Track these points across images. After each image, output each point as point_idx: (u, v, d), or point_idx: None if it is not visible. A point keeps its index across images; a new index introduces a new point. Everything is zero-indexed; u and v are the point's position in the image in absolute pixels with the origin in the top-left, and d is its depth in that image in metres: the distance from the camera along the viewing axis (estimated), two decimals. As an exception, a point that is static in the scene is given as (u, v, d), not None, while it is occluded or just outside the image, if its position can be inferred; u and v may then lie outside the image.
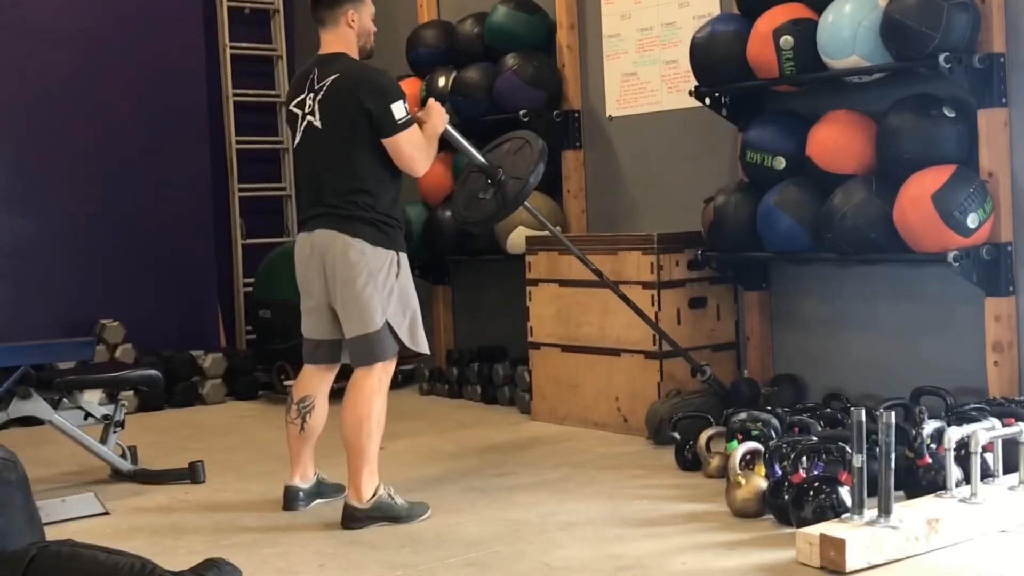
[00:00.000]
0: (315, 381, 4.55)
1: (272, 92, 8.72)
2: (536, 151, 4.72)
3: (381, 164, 4.26)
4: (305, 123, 4.32)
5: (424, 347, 4.42)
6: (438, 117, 4.44)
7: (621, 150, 6.50)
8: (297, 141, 4.39)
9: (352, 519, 4.22)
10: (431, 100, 4.55)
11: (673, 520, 4.14)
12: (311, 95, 4.30)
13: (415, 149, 4.27)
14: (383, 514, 4.23)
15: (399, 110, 4.20)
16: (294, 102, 4.38)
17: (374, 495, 4.24)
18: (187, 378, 7.23)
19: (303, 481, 4.60)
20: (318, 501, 4.61)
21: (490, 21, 6.73)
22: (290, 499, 4.56)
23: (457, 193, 5.05)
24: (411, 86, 7.01)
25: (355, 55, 4.37)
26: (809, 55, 5.08)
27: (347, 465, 4.30)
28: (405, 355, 4.44)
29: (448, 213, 6.66)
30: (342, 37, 4.34)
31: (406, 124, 4.23)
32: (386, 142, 4.21)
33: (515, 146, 4.86)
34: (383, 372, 4.29)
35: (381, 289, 4.22)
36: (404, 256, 4.35)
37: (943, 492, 3.82)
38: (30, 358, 4.89)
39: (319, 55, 4.38)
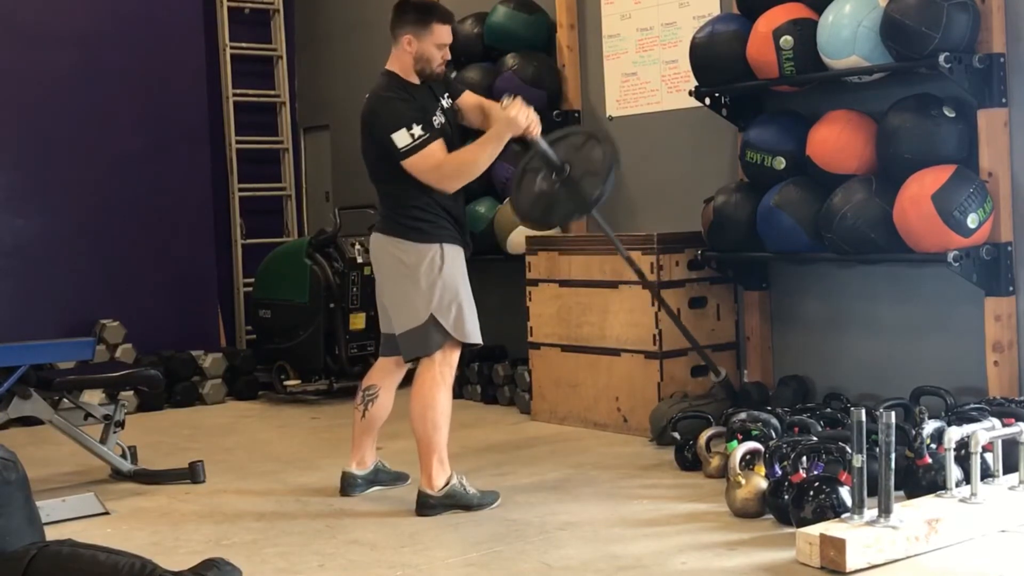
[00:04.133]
0: (383, 373, 4.72)
1: (272, 92, 8.73)
2: (610, 145, 4.58)
3: (393, 167, 4.38)
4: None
5: (475, 338, 4.48)
6: (506, 127, 4.29)
7: (621, 150, 6.47)
8: None
9: (425, 506, 4.35)
10: (515, 103, 4.30)
11: (673, 520, 4.14)
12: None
13: (431, 170, 4.29)
14: (455, 502, 4.36)
15: (401, 138, 4.26)
16: None
17: (447, 483, 4.36)
18: (187, 378, 7.23)
19: (360, 468, 4.74)
20: (375, 488, 4.74)
21: (490, 21, 6.73)
22: (347, 485, 4.70)
23: (518, 189, 4.72)
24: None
25: (407, 76, 4.45)
26: (809, 55, 5.08)
27: (418, 455, 4.41)
28: (465, 347, 4.53)
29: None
30: (398, 57, 4.48)
31: (411, 151, 4.26)
32: (402, 166, 4.29)
33: (578, 141, 4.69)
34: (443, 364, 4.41)
35: (421, 283, 4.36)
36: (451, 248, 4.42)
37: (943, 492, 3.82)
38: (30, 358, 4.89)
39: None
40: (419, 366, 4.44)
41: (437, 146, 4.31)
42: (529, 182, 4.63)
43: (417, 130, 4.26)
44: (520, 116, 4.26)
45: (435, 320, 4.36)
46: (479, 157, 4.34)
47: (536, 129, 4.34)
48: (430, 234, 4.38)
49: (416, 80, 4.45)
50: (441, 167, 4.30)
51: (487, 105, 4.60)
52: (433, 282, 4.36)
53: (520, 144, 4.58)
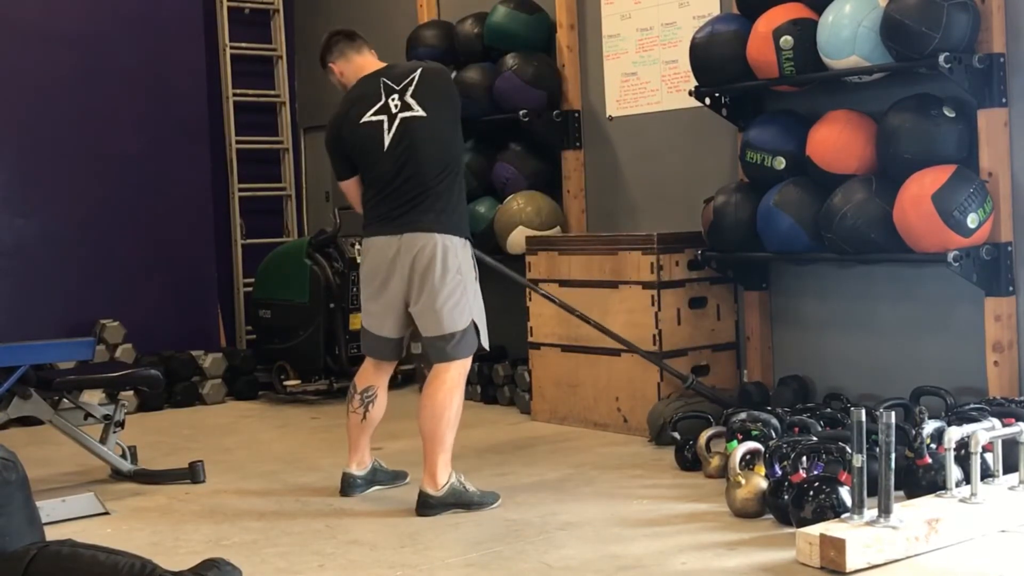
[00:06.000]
0: (377, 372, 4.71)
1: (272, 92, 8.73)
2: None
3: (462, 150, 4.53)
4: (397, 122, 4.43)
5: (486, 343, 4.55)
6: None
7: (621, 150, 6.50)
8: (387, 145, 4.44)
9: (427, 506, 4.34)
10: None
11: (673, 520, 4.14)
12: (395, 96, 4.45)
13: None
14: (456, 500, 4.35)
15: None
16: (370, 112, 4.47)
17: (447, 482, 4.35)
18: (187, 378, 7.23)
19: (359, 469, 4.73)
20: (374, 488, 4.74)
21: (490, 21, 6.73)
22: (347, 485, 4.69)
23: None
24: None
25: None
26: (809, 55, 5.08)
27: (423, 453, 4.39)
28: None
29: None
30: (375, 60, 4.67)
31: None
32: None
33: None
34: (462, 365, 4.43)
35: (469, 288, 4.41)
36: None
37: (943, 492, 3.82)
38: (30, 358, 4.89)
39: (375, 71, 4.57)
40: (436, 367, 4.42)
41: None
42: None
43: None
44: None
45: (475, 325, 4.42)
46: None
47: None
48: (468, 232, 4.48)
49: None
50: None
51: None
52: (475, 287, 4.46)
53: None
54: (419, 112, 4.42)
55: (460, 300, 4.37)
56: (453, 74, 6.80)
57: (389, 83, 4.48)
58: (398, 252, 4.41)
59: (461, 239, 4.41)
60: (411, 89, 4.45)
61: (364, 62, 4.62)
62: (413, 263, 4.38)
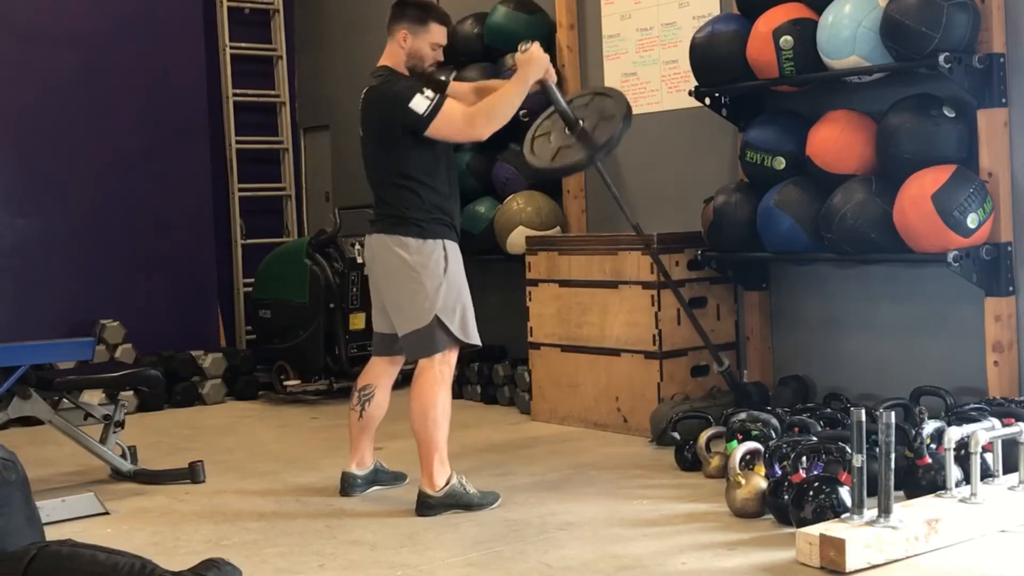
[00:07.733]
0: (378, 371, 4.72)
1: (272, 92, 8.73)
2: (622, 102, 4.59)
3: (418, 163, 4.41)
4: (359, 134, 4.58)
5: (476, 339, 4.53)
6: (529, 67, 4.35)
7: (621, 150, 6.46)
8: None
9: (426, 507, 4.35)
10: (534, 47, 4.38)
11: (673, 520, 4.14)
12: (360, 107, 4.53)
13: (462, 123, 4.31)
14: (456, 501, 4.36)
15: (419, 104, 4.27)
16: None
17: (447, 483, 4.36)
18: (187, 378, 7.23)
19: (359, 468, 4.74)
20: (374, 488, 4.74)
21: (490, 21, 6.73)
22: (347, 485, 4.70)
23: (532, 152, 4.82)
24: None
25: (400, 69, 4.50)
26: (809, 55, 5.08)
27: (418, 455, 4.41)
28: (462, 349, 4.54)
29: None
30: (392, 52, 4.53)
31: (433, 111, 4.27)
32: (427, 136, 4.31)
33: (585, 101, 4.78)
34: (443, 363, 4.42)
35: (426, 285, 4.37)
36: (452, 245, 4.47)
37: (943, 492, 3.83)
38: (30, 358, 4.89)
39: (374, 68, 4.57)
40: (418, 365, 4.45)
41: (453, 102, 4.36)
42: (543, 144, 4.70)
43: (429, 92, 4.31)
44: (543, 56, 4.37)
45: (440, 322, 4.38)
46: (508, 99, 4.35)
47: (552, 75, 4.45)
48: (433, 231, 4.41)
49: (407, 75, 4.50)
50: (472, 117, 4.32)
51: (485, 84, 4.78)
52: (439, 284, 4.38)
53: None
54: (361, 132, 4.55)
55: (415, 297, 4.37)
56: (452, 74, 6.83)
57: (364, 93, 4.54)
58: (371, 253, 4.56)
59: (418, 240, 4.38)
60: (361, 106, 4.51)
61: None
62: (373, 263, 4.53)
